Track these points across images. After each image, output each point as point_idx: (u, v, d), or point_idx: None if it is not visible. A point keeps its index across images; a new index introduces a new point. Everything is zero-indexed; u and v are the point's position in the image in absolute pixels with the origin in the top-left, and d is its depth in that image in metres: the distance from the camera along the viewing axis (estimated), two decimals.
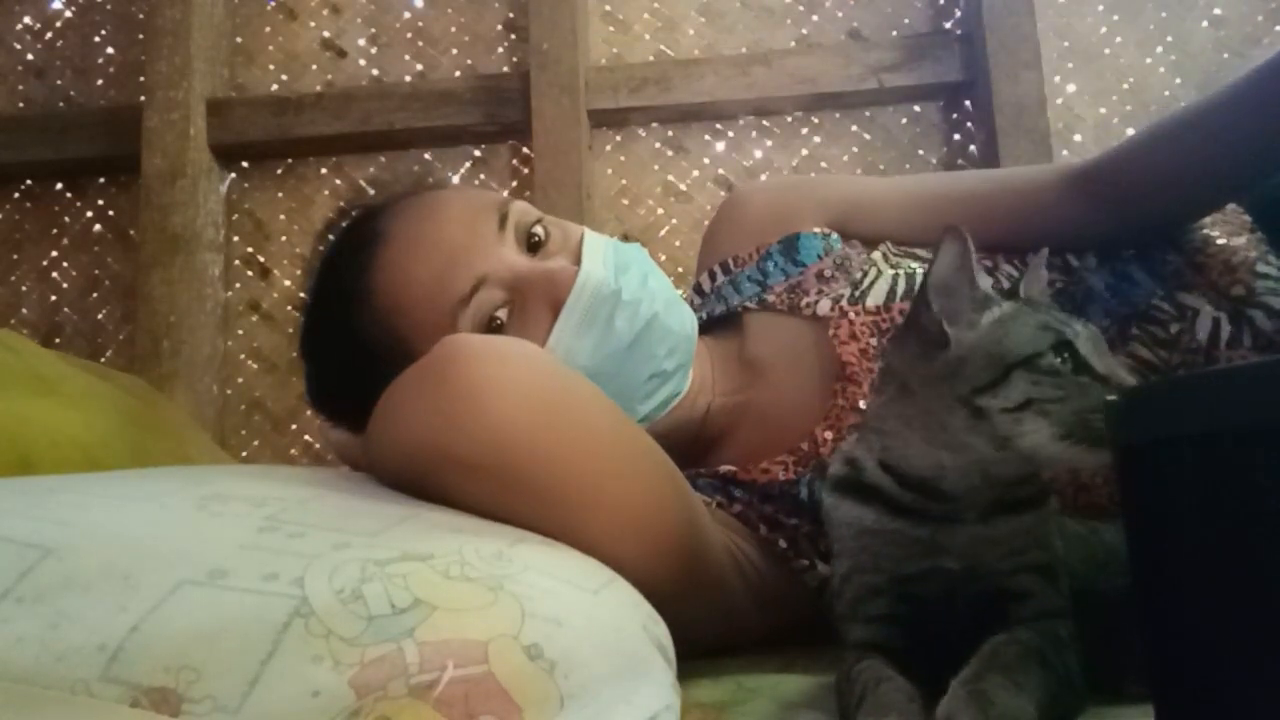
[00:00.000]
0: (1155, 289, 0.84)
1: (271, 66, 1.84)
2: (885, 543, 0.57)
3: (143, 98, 1.74)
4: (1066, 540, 0.59)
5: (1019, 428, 0.53)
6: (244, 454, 1.71)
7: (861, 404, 0.81)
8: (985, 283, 0.59)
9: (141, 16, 1.83)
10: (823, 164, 1.71)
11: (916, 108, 1.71)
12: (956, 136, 1.70)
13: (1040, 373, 0.53)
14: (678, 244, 1.71)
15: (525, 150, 1.73)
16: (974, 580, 0.54)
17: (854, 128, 1.72)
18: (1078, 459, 0.53)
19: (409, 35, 1.82)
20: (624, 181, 1.75)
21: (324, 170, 1.81)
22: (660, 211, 1.74)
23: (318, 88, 1.81)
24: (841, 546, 0.59)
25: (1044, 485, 0.59)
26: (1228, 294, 0.83)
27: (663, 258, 1.70)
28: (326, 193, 1.80)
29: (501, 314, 0.77)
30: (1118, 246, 0.88)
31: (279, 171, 1.81)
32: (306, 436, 1.73)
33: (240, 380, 1.75)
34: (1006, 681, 0.47)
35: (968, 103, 1.68)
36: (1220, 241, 0.87)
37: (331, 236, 0.87)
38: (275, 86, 1.83)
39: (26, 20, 1.90)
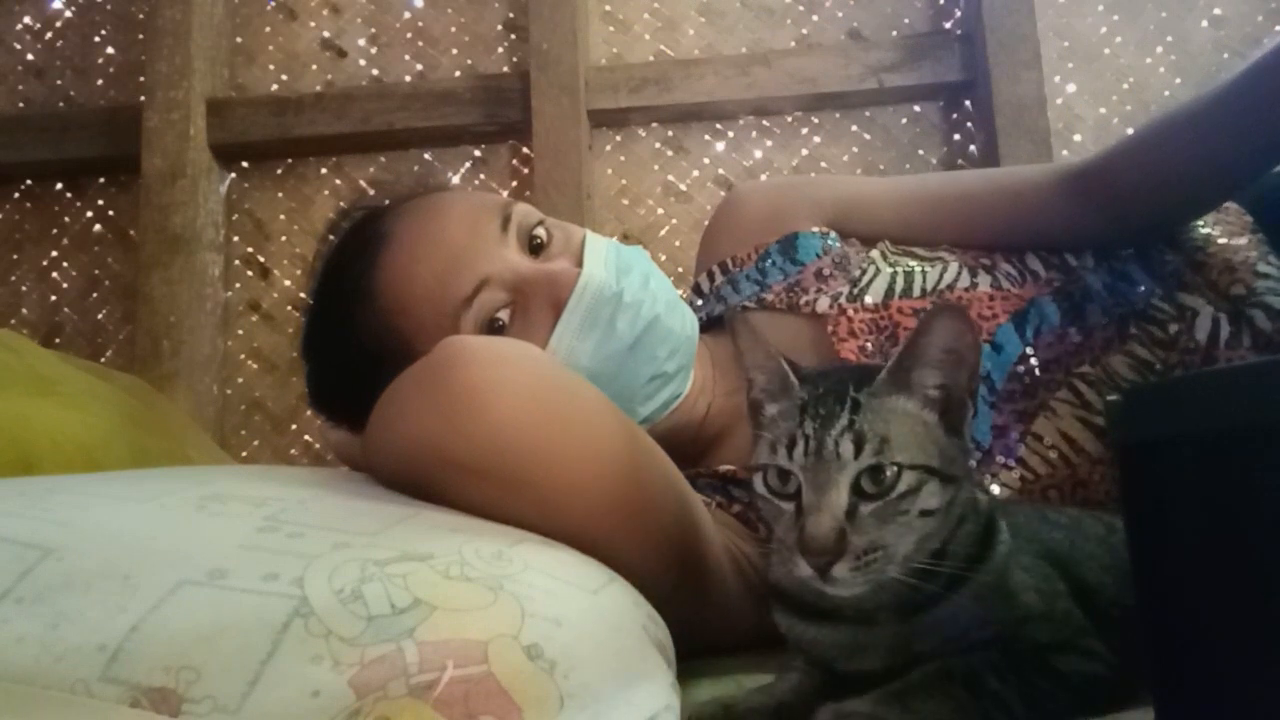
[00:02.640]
0: (1154, 288, 0.84)
1: (271, 66, 1.84)
2: (810, 646, 0.55)
3: (143, 98, 1.74)
4: (1083, 543, 0.57)
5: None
6: (244, 454, 1.71)
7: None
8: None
9: (141, 16, 1.83)
10: (823, 164, 1.71)
11: (916, 108, 1.71)
12: (956, 136, 1.70)
13: (761, 485, 0.53)
14: (678, 244, 1.71)
15: (525, 150, 1.73)
16: (909, 668, 0.51)
17: (854, 128, 1.72)
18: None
19: (409, 35, 1.82)
20: (624, 181, 1.75)
21: (324, 170, 1.81)
22: (660, 211, 1.74)
23: (318, 88, 1.81)
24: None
25: (971, 557, 0.52)
26: (1227, 293, 0.83)
27: (663, 258, 1.70)
28: (326, 193, 1.80)
29: (503, 315, 0.78)
30: (1115, 246, 0.88)
31: (279, 171, 1.81)
32: (306, 436, 1.73)
33: (240, 380, 1.75)
34: (891, 704, 0.46)
35: (968, 103, 1.68)
36: (1221, 241, 0.87)
37: (334, 237, 0.87)
38: (275, 86, 1.83)
39: (26, 20, 1.90)
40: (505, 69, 1.78)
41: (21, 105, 1.88)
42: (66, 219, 1.84)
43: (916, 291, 0.87)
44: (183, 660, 0.38)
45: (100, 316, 1.81)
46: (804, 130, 1.73)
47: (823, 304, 0.88)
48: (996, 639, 0.51)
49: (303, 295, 0.88)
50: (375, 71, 1.82)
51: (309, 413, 1.67)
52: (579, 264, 0.79)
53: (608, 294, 0.78)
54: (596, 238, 0.84)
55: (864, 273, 0.90)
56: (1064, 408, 0.80)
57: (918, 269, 0.89)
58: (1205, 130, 0.81)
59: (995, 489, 0.78)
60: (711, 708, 0.53)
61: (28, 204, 1.86)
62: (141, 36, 1.82)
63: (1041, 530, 0.58)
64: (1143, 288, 0.85)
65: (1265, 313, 0.80)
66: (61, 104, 1.87)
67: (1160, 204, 0.86)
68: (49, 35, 1.89)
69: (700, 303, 0.99)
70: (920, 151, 1.70)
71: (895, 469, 0.49)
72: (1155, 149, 0.85)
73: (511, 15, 1.80)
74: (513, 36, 1.80)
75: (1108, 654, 0.51)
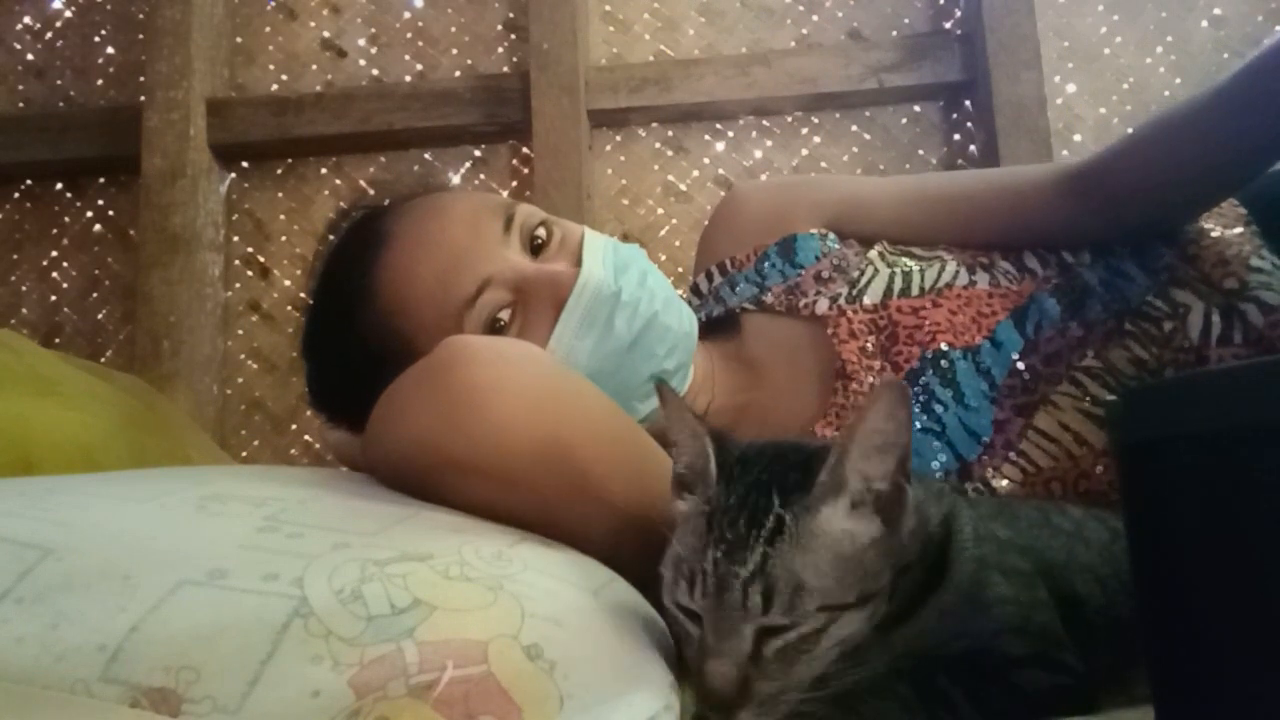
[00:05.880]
0: (1149, 285, 0.85)
1: (271, 66, 1.84)
2: None
3: (143, 98, 1.74)
4: (1083, 551, 0.57)
5: None
6: (244, 454, 1.71)
7: (861, 401, 0.81)
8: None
9: (141, 16, 1.83)
10: (823, 164, 1.71)
11: (916, 108, 1.71)
12: (956, 136, 1.70)
13: (669, 601, 0.50)
14: (678, 244, 1.71)
15: (525, 150, 1.73)
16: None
17: (854, 128, 1.72)
18: None
19: (409, 35, 1.82)
20: (624, 181, 1.75)
21: (324, 170, 1.81)
22: (660, 211, 1.74)
23: (318, 88, 1.81)
24: None
25: (939, 564, 0.51)
26: (1220, 287, 0.83)
27: (663, 258, 1.70)
28: (326, 193, 1.80)
29: (504, 315, 0.78)
30: (1113, 243, 0.89)
31: (279, 171, 1.81)
32: (306, 436, 1.73)
33: (240, 380, 1.75)
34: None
35: (968, 103, 1.68)
36: (1215, 234, 0.87)
37: (334, 237, 0.87)
38: (275, 86, 1.83)
39: (26, 20, 1.90)
40: (505, 69, 1.78)
41: (21, 105, 1.87)
42: (66, 219, 1.84)
43: (915, 290, 0.87)
44: (183, 660, 0.38)
45: (100, 316, 1.81)
46: (804, 130, 1.73)
47: (822, 305, 0.88)
48: (969, 652, 0.49)
49: (303, 295, 0.88)
50: (375, 71, 1.82)
51: (309, 413, 1.67)
52: (578, 263, 0.80)
53: (606, 293, 0.78)
54: (595, 235, 0.84)
55: (862, 274, 0.90)
56: (1066, 400, 0.80)
57: (915, 268, 0.89)
58: (1202, 130, 0.81)
59: (998, 483, 0.78)
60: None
61: (28, 204, 1.85)
62: (141, 36, 1.81)
63: (1039, 538, 0.58)
64: (1138, 284, 0.85)
65: (1258, 307, 0.81)
66: (61, 104, 1.87)
67: (1158, 204, 0.87)
68: (49, 35, 1.89)
69: (699, 303, 0.99)
70: (920, 151, 1.70)
71: (806, 614, 0.45)
72: (1152, 149, 0.85)
73: (511, 15, 1.80)
74: (513, 36, 1.79)
75: (1077, 665, 0.51)
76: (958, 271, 0.88)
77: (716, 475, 0.49)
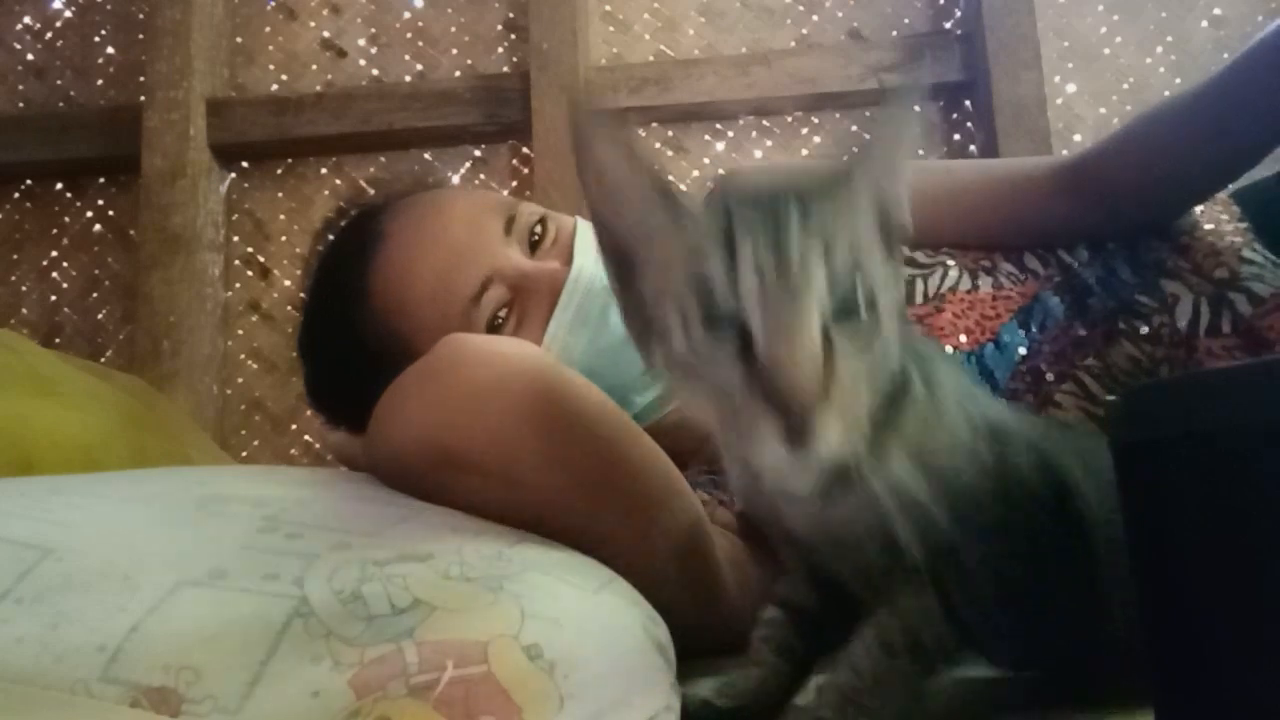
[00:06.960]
0: (1138, 281, 0.85)
1: (271, 66, 1.84)
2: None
3: (143, 98, 1.74)
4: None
5: None
6: (244, 454, 1.71)
7: None
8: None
9: (141, 16, 1.83)
10: None
11: (916, 108, 1.71)
12: (956, 136, 1.70)
13: (683, 343, 0.42)
14: None
15: (525, 150, 1.73)
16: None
17: (854, 128, 1.72)
18: None
19: (409, 35, 1.82)
20: None
21: (324, 170, 1.81)
22: None
23: (318, 88, 1.81)
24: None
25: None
26: (1211, 276, 0.83)
27: None
28: (326, 193, 1.80)
29: (502, 313, 0.78)
30: (1108, 238, 0.89)
31: (279, 171, 1.81)
32: (306, 436, 1.73)
33: (240, 380, 1.75)
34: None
35: (968, 103, 1.68)
36: (1207, 226, 0.87)
37: (331, 235, 0.87)
38: (275, 86, 1.83)
39: (26, 20, 1.90)
40: (505, 69, 1.78)
41: (21, 105, 1.88)
42: (66, 219, 1.84)
43: (919, 298, 0.88)
44: (183, 660, 0.38)
45: (100, 316, 1.81)
46: (804, 130, 1.73)
47: None
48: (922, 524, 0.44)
49: (302, 295, 0.88)
50: (375, 71, 1.82)
51: (309, 413, 1.67)
52: (571, 256, 0.80)
53: (598, 287, 0.78)
54: (589, 227, 0.84)
55: None
56: (1069, 399, 0.80)
57: (918, 276, 0.89)
58: (1197, 123, 0.82)
59: None
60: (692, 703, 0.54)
61: (28, 204, 1.85)
62: (141, 36, 1.82)
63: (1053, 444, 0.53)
64: (1129, 281, 0.85)
65: (1248, 298, 0.81)
66: (61, 104, 1.87)
67: (1153, 197, 0.87)
68: (49, 35, 1.89)
69: None
70: (920, 152, 1.70)
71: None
72: (1147, 143, 0.85)
73: (511, 15, 1.80)
74: (513, 36, 1.79)
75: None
76: (960, 277, 0.89)
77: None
